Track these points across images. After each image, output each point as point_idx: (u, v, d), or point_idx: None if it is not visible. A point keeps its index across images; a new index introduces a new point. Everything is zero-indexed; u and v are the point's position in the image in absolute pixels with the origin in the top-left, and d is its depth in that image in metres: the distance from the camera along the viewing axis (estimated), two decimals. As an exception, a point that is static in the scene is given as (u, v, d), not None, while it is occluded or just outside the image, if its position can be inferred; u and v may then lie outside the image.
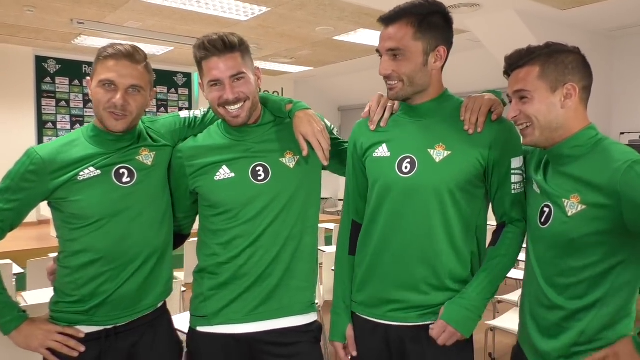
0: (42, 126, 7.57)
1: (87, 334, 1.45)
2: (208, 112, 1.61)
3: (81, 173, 1.41)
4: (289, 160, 1.51)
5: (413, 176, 1.36)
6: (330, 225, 5.19)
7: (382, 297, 1.42)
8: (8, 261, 3.41)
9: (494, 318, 3.26)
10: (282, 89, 9.77)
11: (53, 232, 5.98)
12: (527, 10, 5.16)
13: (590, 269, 1.21)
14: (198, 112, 1.63)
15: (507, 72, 1.30)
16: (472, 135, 1.35)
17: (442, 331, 1.33)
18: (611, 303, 1.21)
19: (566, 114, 1.24)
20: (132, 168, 1.47)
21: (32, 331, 1.42)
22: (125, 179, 1.45)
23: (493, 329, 3.03)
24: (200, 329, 1.50)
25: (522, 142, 1.32)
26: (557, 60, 1.23)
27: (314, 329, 1.54)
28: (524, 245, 1.41)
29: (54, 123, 7.67)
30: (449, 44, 1.38)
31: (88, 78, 1.48)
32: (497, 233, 1.41)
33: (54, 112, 7.67)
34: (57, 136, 7.61)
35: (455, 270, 1.37)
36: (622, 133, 6.25)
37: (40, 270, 3.29)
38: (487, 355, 3.31)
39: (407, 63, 1.34)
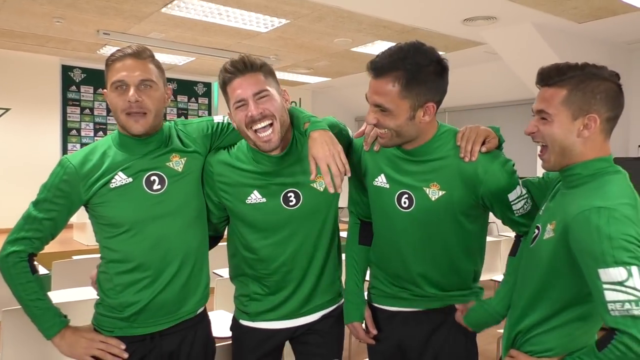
0: (67, 133, 7.77)
1: (132, 337, 1.48)
2: None
3: (113, 180, 1.43)
4: (319, 184, 1.52)
5: (412, 211, 1.45)
6: (344, 234, 5.20)
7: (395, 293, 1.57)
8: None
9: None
10: (300, 99, 9.88)
11: (76, 236, 6.14)
12: (544, 23, 5.19)
13: (556, 293, 1.23)
14: None
15: (539, 83, 1.28)
16: (464, 174, 1.39)
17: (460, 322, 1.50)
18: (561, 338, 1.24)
19: (583, 143, 1.21)
20: (163, 175, 1.47)
21: (77, 339, 1.46)
22: (156, 187, 1.46)
23: (506, 338, 3.05)
24: (242, 322, 1.63)
25: (541, 166, 1.31)
26: (587, 88, 1.19)
27: (341, 309, 1.67)
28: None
29: (78, 130, 7.88)
30: (440, 95, 1.37)
31: (105, 90, 1.48)
32: (516, 241, 1.49)
33: (79, 120, 7.88)
34: (80, 143, 7.82)
35: (455, 284, 1.52)
36: (639, 146, 6.22)
37: (64, 271, 3.41)
38: (500, 364, 3.32)
39: (393, 119, 1.34)
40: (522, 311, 1.30)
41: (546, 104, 1.22)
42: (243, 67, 1.42)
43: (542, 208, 1.35)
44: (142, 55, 1.44)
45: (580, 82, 1.19)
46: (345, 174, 1.37)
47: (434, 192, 1.41)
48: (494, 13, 4.96)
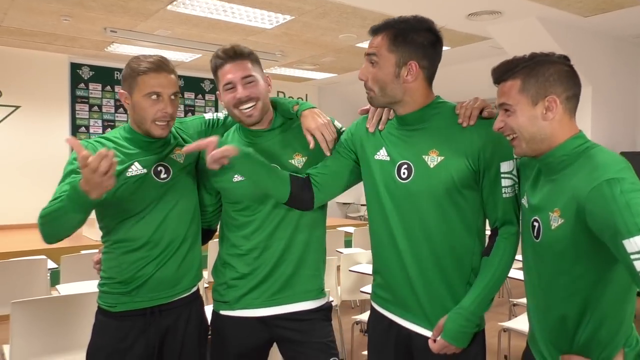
0: (76, 130, 7.85)
1: (133, 310, 1.61)
2: (229, 115, 1.74)
3: (129, 169, 1.58)
4: (297, 162, 1.66)
5: (411, 182, 1.43)
6: (350, 229, 5.26)
7: (394, 298, 1.52)
8: (43, 257, 3.61)
9: (509, 320, 3.30)
10: (307, 95, 9.91)
11: (85, 231, 6.21)
12: (549, 17, 5.17)
13: (580, 282, 1.21)
14: (221, 115, 1.80)
15: (495, 82, 1.32)
16: (463, 140, 1.40)
17: (442, 347, 1.40)
18: (604, 320, 1.21)
19: (550, 125, 1.25)
20: (168, 165, 1.65)
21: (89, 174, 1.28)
22: (162, 175, 1.64)
23: (507, 330, 3.07)
24: (223, 312, 1.69)
25: (513, 153, 1.33)
26: (538, 73, 1.25)
27: (325, 308, 1.70)
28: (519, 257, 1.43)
29: (87, 127, 7.96)
30: (428, 62, 1.43)
31: (121, 90, 1.60)
32: (490, 241, 1.45)
33: (87, 117, 7.96)
34: (89, 140, 7.89)
35: (453, 272, 1.44)
36: (647, 140, 6.18)
37: (73, 265, 3.47)
38: (501, 357, 3.34)
39: (380, 71, 1.43)
40: (558, 312, 1.27)
41: (506, 97, 1.28)
42: (233, 54, 1.59)
43: (525, 199, 1.35)
44: (170, 67, 1.60)
45: (531, 70, 1.26)
46: (335, 140, 1.62)
47: (433, 159, 1.43)
48: (499, 7, 4.96)
